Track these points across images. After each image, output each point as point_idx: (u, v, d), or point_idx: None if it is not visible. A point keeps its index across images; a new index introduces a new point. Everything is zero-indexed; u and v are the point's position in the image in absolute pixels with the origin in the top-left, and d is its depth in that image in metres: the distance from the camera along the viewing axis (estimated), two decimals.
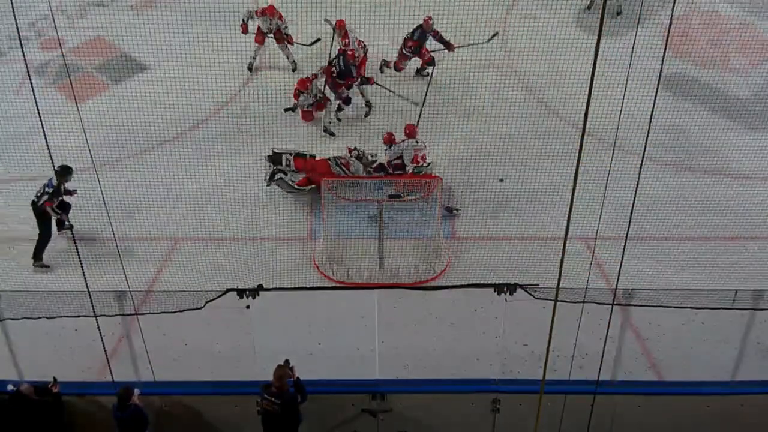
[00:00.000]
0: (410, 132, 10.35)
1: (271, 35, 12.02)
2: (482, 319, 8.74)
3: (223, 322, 8.58)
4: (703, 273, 9.43)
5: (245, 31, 11.75)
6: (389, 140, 10.38)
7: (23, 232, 10.02)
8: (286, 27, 12.01)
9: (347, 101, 11.50)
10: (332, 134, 11.49)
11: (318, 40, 11.98)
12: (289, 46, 12.19)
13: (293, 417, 7.35)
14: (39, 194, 9.46)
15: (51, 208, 9.43)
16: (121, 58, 12.77)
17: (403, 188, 10.20)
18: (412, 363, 8.53)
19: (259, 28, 12.01)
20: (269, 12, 11.82)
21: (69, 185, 9.61)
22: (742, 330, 8.64)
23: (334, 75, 11.19)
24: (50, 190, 9.41)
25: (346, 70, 11.15)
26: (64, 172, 9.40)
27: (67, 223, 9.63)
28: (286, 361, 7.39)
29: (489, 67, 11.56)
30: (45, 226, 9.63)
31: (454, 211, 10.39)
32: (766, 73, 12.50)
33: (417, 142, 10.32)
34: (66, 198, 9.67)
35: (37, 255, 9.67)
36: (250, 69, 12.37)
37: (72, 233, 9.31)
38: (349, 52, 11.15)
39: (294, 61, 12.40)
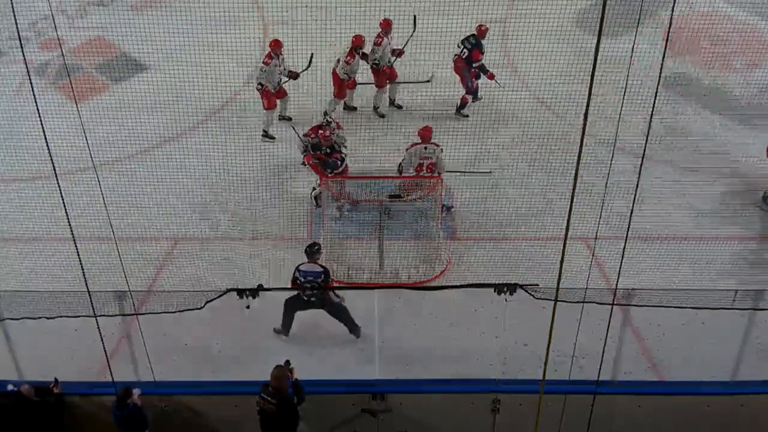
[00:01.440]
0: (423, 137, 9.92)
1: (278, 84, 11.23)
2: (482, 319, 8.74)
3: (223, 322, 8.58)
4: (704, 273, 9.44)
5: (268, 99, 11.18)
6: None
7: (23, 232, 10.03)
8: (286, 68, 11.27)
9: (476, 94, 11.42)
10: (382, 116, 11.66)
11: (312, 56, 11.21)
12: (287, 99, 11.56)
13: (290, 417, 7.34)
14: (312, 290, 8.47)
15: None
16: (121, 58, 12.78)
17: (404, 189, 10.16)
18: (412, 363, 8.53)
19: (266, 91, 11.18)
20: (276, 46, 11.04)
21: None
22: (742, 330, 8.64)
23: (465, 57, 11.17)
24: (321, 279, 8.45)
25: (477, 44, 11.15)
26: (314, 249, 8.57)
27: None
28: (287, 362, 7.38)
29: (489, 67, 11.55)
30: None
31: (452, 209, 10.37)
32: (766, 73, 12.50)
33: (426, 148, 9.92)
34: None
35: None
36: (270, 137, 11.50)
37: None
38: (483, 28, 11.09)
39: (290, 117, 11.65)
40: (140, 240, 9.89)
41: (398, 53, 11.56)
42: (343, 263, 9.73)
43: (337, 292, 8.52)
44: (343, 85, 11.61)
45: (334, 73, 11.56)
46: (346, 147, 10.48)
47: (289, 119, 11.71)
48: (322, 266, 8.60)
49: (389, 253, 9.75)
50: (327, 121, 10.43)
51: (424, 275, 9.64)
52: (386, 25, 11.47)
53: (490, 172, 10.65)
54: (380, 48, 11.47)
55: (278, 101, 11.58)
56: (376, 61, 11.51)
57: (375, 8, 10.88)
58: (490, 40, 11.76)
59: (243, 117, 11.69)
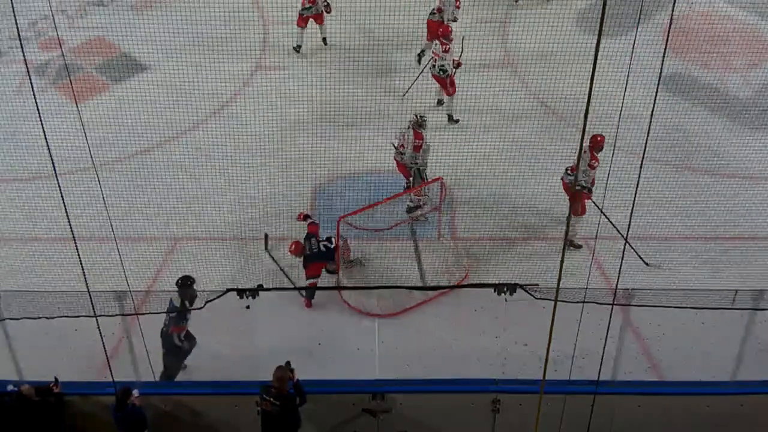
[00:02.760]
0: (597, 143, 9.43)
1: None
2: (482, 319, 8.74)
3: (223, 322, 8.58)
4: (704, 272, 9.44)
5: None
6: None
7: (23, 232, 10.03)
8: None
9: None
10: (456, 121, 11.57)
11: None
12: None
13: (292, 418, 7.34)
14: (166, 322, 8.11)
15: (177, 335, 8.09)
16: (121, 58, 12.78)
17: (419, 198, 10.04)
18: (412, 363, 8.53)
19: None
20: None
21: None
22: (742, 330, 8.65)
23: None
24: (174, 314, 8.04)
25: None
26: (186, 283, 8.08)
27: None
28: (287, 363, 7.38)
29: (489, 67, 11.56)
30: (170, 358, 8.24)
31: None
32: (766, 73, 12.51)
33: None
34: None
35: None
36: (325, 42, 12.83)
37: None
38: None
39: (324, 38, 12.77)
40: (140, 240, 9.89)
41: (457, 64, 11.40)
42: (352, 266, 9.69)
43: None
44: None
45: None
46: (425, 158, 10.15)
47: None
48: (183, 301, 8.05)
49: (399, 258, 9.71)
50: (419, 121, 9.99)
51: (456, 279, 9.54)
52: (447, 33, 11.38)
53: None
54: (449, 54, 11.33)
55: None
56: (444, 69, 11.35)
57: (375, 8, 10.90)
58: (491, 40, 11.78)
59: (243, 116, 11.68)
